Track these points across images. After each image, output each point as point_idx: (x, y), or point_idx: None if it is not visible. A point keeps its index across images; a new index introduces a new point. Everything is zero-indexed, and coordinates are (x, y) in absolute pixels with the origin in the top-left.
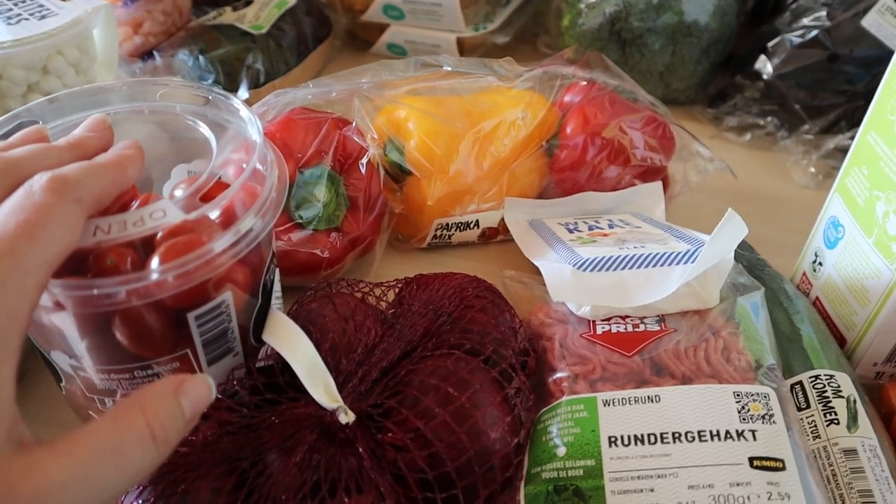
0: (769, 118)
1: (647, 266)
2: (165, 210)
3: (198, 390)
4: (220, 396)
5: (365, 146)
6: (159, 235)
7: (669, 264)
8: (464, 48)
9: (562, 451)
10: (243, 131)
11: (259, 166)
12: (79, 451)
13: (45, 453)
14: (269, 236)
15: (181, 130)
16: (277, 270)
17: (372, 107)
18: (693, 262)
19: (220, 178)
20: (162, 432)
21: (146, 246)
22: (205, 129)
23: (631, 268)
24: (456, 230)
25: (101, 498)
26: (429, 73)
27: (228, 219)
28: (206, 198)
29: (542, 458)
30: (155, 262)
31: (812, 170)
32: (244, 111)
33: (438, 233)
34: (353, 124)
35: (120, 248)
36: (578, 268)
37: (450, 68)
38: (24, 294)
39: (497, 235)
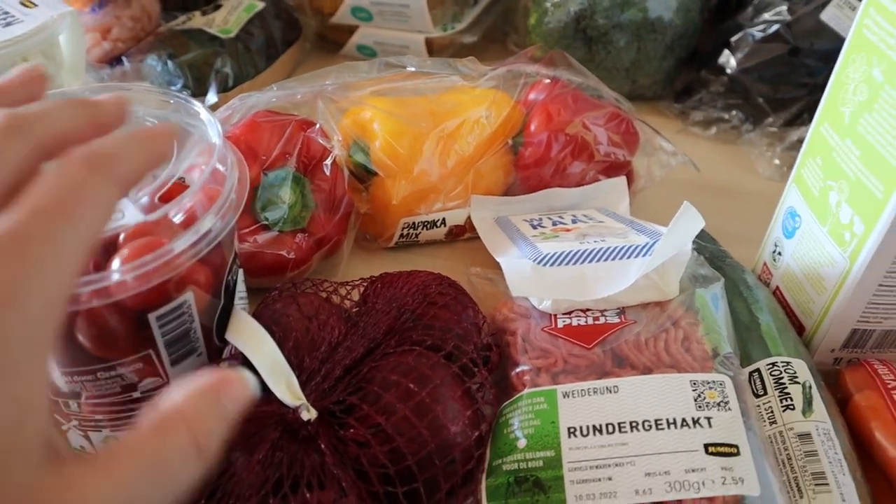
0: (734, 112)
1: (606, 259)
2: (124, 211)
3: (239, 389)
4: None
5: (329, 147)
6: (121, 238)
7: (628, 257)
8: (433, 48)
9: (522, 442)
10: (205, 134)
11: (220, 167)
12: (120, 469)
13: (82, 470)
14: (231, 237)
15: None
16: (241, 271)
17: (336, 108)
18: (651, 254)
19: (183, 180)
20: (206, 442)
21: (107, 246)
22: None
23: (590, 261)
24: (423, 229)
25: None
26: (393, 74)
27: (189, 220)
28: (167, 199)
29: (503, 451)
30: (116, 263)
31: (776, 162)
32: (205, 114)
33: (405, 232)
34: (318, 126)
35: None
36: (539, 263)
37: (414, 69)
38: (63, 282)
39: (464, 233)
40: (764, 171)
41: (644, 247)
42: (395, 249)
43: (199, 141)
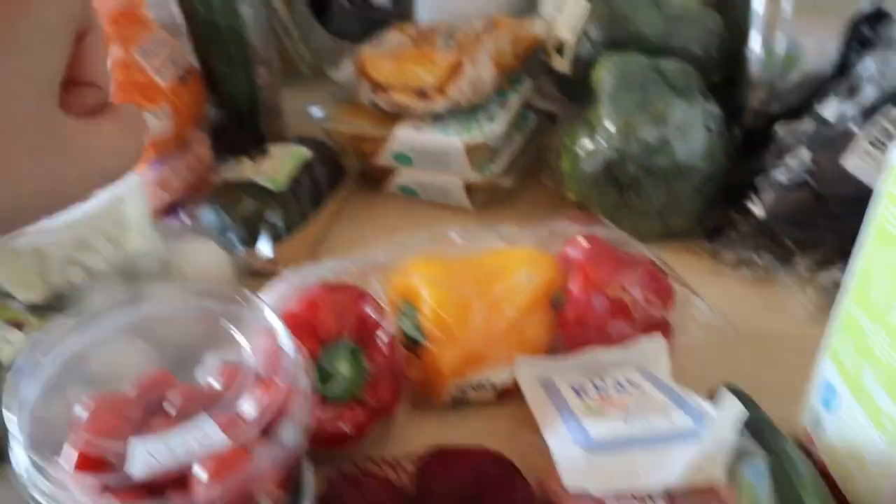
0: (764, 253)
1: (652, 446)
2: (208, 432)
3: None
4: None
5: (381, 319)
6: None
7: (673, 443)
8: (471, 190)
9: None
10: (267, 325)
11: (289, 366)
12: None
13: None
14: (303, 440)
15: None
16: (310, 464)
17: (386, 279)
18: (695, 439)
19: (255, 371)
20: None
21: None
22: (228, 325)
23: (638, 447)
24: (471, 391)
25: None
26: (439, 244)
27: (270, 423)
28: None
29: None
30: (202, 476)
31: (810, 306)
32: (269, 314)
33: (455, 394)
34: (370, 297)
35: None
36: (588, 450)
37: (460, 241)
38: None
39: (514, 394)
40: (799, 316)
41: (689, 431)
42: (447, 411)
43: (256, 328)
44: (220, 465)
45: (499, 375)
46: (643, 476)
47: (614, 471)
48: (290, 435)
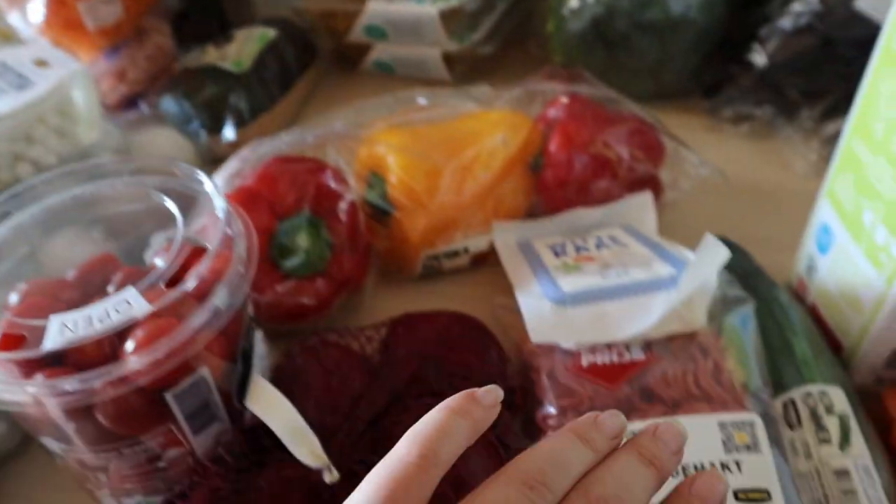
0: (765, 107)
1: (629, 296)
2: (130, 300)
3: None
4: (208, 464)
5: (342, 190)
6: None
7: (652, 292)
8: (451, 61)
9: None
10: (208, 198)
11: (228, 231)
12: None
13: None
14: (245, 303)
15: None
16: (259, 332)
17: (348, 149)
18: (675, 287)
19: (197, 243)
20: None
21: (120, 333)
22: (168, 203)
23: (613, 299)
24: (445, 259)
25: None
26: (405, 109)
27: (202, 287)
28: (187, 265)
29: None
30: (130, 347)
31: (813, 157)
32: (208, 184)
33: (428, 263)
34: (330, 168)
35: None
36: (559, 304)
37: (425, 101)
38: None
39: (489, 259)
40: (800, 169)
41: (667, 280)
42: (419, 280)
43: (206, 203)
44: (149, 333)
45: (475, 242)
46: (618, 326)
47: (585, 323)
48: (224, 299)
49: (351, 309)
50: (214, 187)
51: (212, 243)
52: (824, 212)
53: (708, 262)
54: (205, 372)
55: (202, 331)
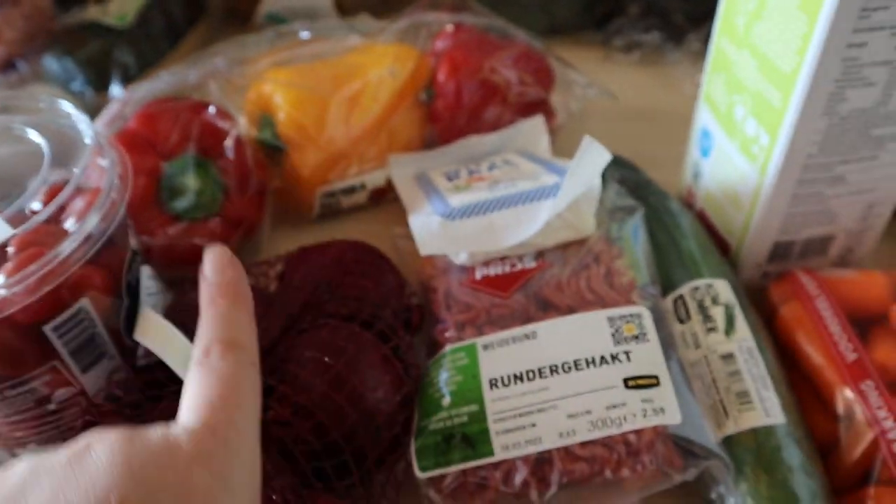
0: (654, 33)
1: (514, 205)
2: None
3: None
4: (101, 403)
5: (227, 128)
6: (10, 252)
7: (537, 200)
8: (344, 6)
9: (447, 400)
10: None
11: (103, 163)
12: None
13: None
14: (123, 235)
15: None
16: (146, 267)
17: (232, 87)
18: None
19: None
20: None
21: None
22: (35, 137)
23: (499, 209)
24: (342, 196)
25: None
26: (287, 44)
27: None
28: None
29: (430, 411)
30: (0, 278)
31: (700, 80)
32: (75, 114)
33: (325, 201)
34: (213, 107)
35: None
36: (446, 217)
37: (307, 34)
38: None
39: (388, 195)
40: (689, 90)
41: (553, 187)
42: (319, 220)
43: (76, 135)
44: (17, 263)
45: (372, 177)
46: (505, 235)
47: (473, 233)
48: (95, 226)
49: (249, 251)
50: (82, 118)
51: (75, 178)
52: (703, 116)
53: (589, 164)
54: (85, 304)
55: (73, 256)
